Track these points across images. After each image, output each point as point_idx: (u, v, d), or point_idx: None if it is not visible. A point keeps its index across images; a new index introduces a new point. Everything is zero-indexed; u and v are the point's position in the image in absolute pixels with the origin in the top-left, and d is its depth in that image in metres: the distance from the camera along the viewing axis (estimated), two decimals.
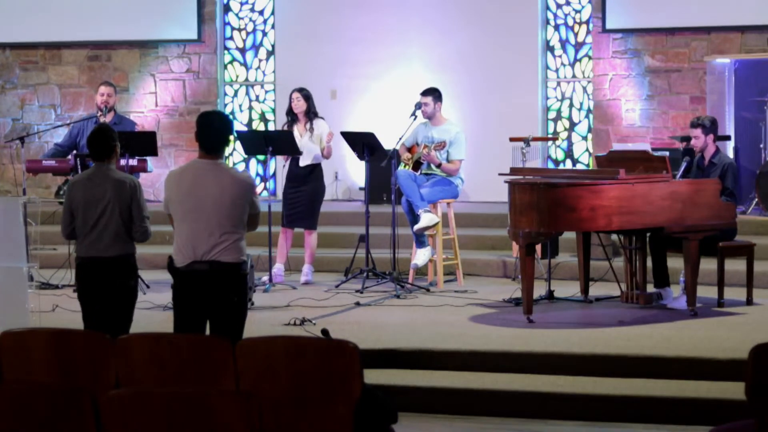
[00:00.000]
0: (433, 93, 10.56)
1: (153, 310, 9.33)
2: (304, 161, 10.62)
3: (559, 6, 13.99)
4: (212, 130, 6.39)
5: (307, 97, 10.71)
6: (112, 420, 4.21)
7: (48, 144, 14.29)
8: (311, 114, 10.71)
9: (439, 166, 10.47)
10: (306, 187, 10.65)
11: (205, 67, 14.75)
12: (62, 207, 7.09)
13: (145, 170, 10.68)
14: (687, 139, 11.09)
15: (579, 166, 13.87)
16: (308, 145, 10.54)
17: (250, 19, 14.95)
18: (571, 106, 14.05)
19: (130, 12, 14.59)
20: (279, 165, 10.79)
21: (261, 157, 14.37)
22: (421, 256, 10.43)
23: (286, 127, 10.81)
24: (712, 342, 7.91)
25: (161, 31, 14.72)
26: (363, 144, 10.44)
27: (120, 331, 5.87)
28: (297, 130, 10.64)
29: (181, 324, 6.35)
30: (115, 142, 7.02)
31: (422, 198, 10.26)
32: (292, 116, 10.79)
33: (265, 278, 10.39)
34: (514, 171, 9.45)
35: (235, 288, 6.35)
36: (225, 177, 6.33)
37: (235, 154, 14.87)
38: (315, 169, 10.71)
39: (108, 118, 10.81)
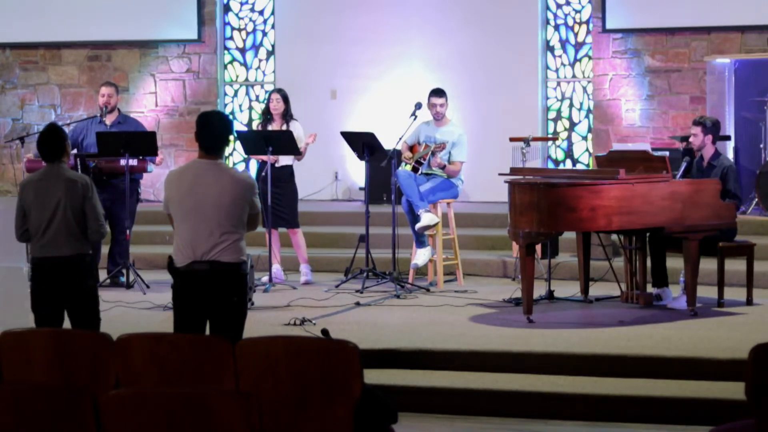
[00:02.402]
0: (445, 94, 10.59)
1: (153, 310, 9.34)
2: (281, 161, 10.64)
3: (559, 6, 13.99)
4: (212, 130, 6.38)
5: (285, 98, 10.79)
6: (112, 420, 4.21)
7: None
8: (288, 116, 10.75)
9: (443, 168, 10.47)
10: (282, 188, 10.65)
11: (205, 67, 14.76)
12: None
13: (145, 170, 10.67)
14: (687, 139, 11.09)
15: (579, 166, 13.87)
16: None
17: (250, 19, 14.95)
18: (571, 106, 14.05)
19: (130, 12, 14.60)
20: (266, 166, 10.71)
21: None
22: (421, 256, 10.43)
23: (260, 127, 10.86)
24: (712, 342, 7.91)
25: (161, 31, 14.72)
26: (363, 144, 10.45)
27: None
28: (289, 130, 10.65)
29: (181, 324, 6.35)
30: (66, 142, 7.03)
31: (422, 198, 10.26)
32: (268, 116, 10.83)
33: (265, 278, 10.40)
34: (514, 171, 9.44)
35: (235, 288, 6.34)
36: (225, 177, 6.32)
37: (235, 154, 14.88)
38: (291, 170, 10.75)
39: (111, 118, 10.79)
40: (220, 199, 6.27)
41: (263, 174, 10.48)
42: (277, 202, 10.59)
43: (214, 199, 6.26)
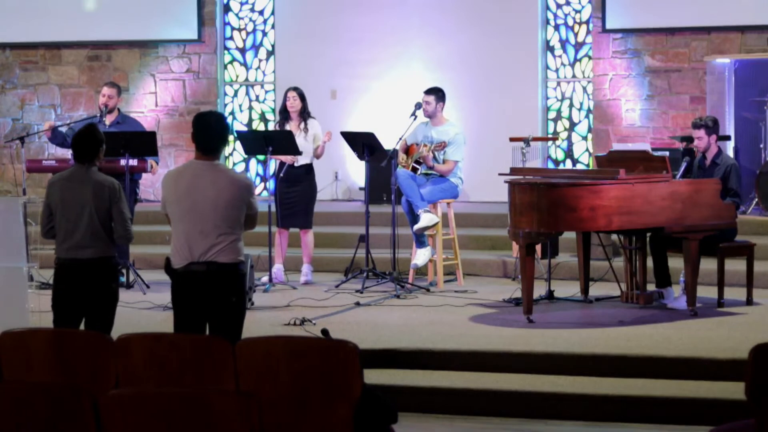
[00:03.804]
0: (436, 93, 10.54)
1: (153, 310, 9.34)
2: (300, 161, 10.63)
3: (559, 6, 13.99)
4: (209, 131, 6.36)
5: (302, 96, 10.75)
6: (112, 420, 4.21)
7: (48, 144, 14.33)
8: (305, 113, 10.73)
9: (431, 168, 10.45)
10: (300, 186, 10.64)
11: (205, 67, 14.76)
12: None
13: (145, 170, 10.67)
14: (687, 139, 11.08)
15: (579, 166, 13.88)
16: (303, 145, 10.55)
17: (250, 19, 14.95)
18: (571, 106, 14.05)
19: (130, 12, 14.60)
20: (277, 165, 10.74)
21: (261, 157, 14.37)
22: (421, 256, 10.43)
23: (277, 126, 10.85)
24: (712, 342, 7.91)
25: (161, 31, 14.72)
26: (363, 144, 10.44)
27: None
28: (289, 129, 10.64)
29: (181, 325, 6.34)
30: (101, 147, 6.91)
31: (422, 198, 10.26)
32: (284, 115, 10.81)
33: (265, 278, 10.39)
34: (514, 171, 9.45)
35: (233, 288, 6.33)
36: (222, 178, 6.31)
37: (235, 154, 14.88)
38: (309, 169, 10.72)
39: (110, 118, 10.78)
40: (217, 200, 6.25)
41: (281, 174, 10.50)
42: (294, 200, 10.58)
43: (211, 200, 6.25)
